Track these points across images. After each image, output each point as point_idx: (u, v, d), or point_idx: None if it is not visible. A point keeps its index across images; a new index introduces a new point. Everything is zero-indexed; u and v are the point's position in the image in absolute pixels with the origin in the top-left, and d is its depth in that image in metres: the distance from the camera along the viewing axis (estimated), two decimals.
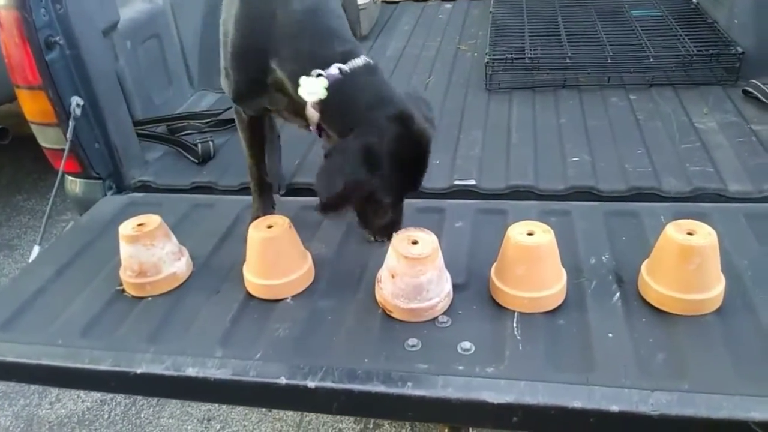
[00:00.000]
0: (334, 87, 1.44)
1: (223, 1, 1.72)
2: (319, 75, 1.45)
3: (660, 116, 2.35)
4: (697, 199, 1.89)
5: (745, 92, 2.45)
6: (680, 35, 2.81)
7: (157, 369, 1.44)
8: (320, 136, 1.57)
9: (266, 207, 1.92)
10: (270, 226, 1.60)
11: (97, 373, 1.47)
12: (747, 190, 1.89)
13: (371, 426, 2.59)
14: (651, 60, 2.63)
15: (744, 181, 1.92)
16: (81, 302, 1.68)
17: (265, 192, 1.94)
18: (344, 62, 1.46)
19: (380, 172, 1.40)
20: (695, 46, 2.67)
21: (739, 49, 2.57)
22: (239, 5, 1.59)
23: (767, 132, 2.19)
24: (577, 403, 1.26)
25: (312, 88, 1.44)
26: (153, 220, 1.68)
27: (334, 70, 1.45)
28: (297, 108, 1.54)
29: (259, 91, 1.64)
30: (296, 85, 1.48)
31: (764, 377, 1.29)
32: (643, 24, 2.99)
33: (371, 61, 1.50)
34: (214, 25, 2.90)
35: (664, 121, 2.31)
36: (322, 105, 1.46)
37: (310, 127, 1.57)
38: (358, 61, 1.47)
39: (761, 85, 2.40)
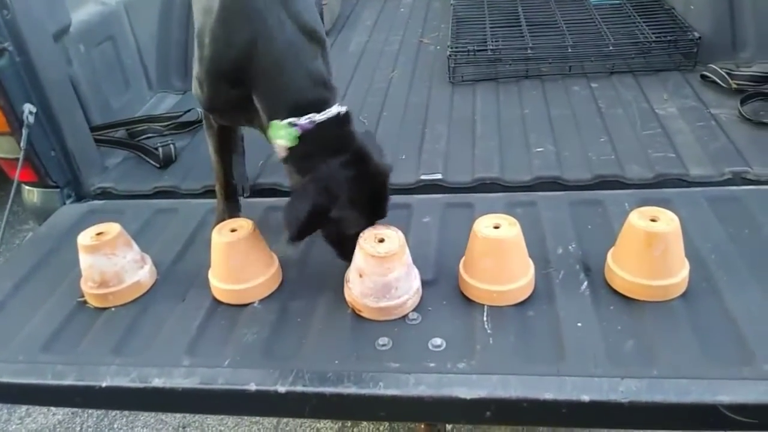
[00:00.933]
0: (303, 137, 1.44)
1: (194, 6, 1.61)
2: (291, 124, 1.43)
3: (621, 103, 2.37)
4: (660, 185, 1.91)
5: (704, 77, 2.49)
6: (638, 22, 2.84)
7: (123, 381, 1.41)
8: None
9: (232, 210, 1.89)
10: (234, 230, 1.57)
11: (61, 388, 1.43)
12: (708, 173, 1.92)
13: (349, 425, 2.57)
14: (611, 48, 2.66)
15: (705, 165, 1.95)
16: (41, 316, 1.63)
17: (231, 196, 1.91)
18: (319, 111, 1.45)
19: (341, 202, 1.44)
20: (653, 33, 2.70)
21: (696, 35, 2.61)
22: (215, 24, 1.48)
23: (726, 115, 2.22)
24: (549, 395, 1.26)
25: (282, 135, 1.45)
26: (113, 228, 1.63)
27: (305, 121, 1.43)
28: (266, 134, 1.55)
29: (235, 107, 1.59)
30: (268, 124, 1.48)
31: (731, 360, 1.30)
32: (602, 12, 3.01)
33: (343, 110, 1.48)
34: (172, 25, 2.90)
35: (625, 109, 2.33)
36: (289, 149, 1.46)
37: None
38: (332, 111, 1.46)
39: (719, 69, 2.44)
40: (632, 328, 1.40)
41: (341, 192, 1.44)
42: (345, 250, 1.57)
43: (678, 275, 1.47)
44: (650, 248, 1.44)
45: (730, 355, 1.32)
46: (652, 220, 1.46)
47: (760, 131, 2.10)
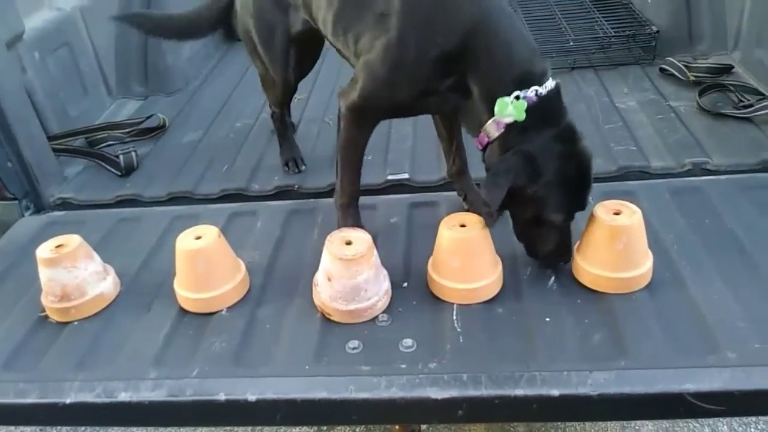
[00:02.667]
0: (529, 111, 1.41)
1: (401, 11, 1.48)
2: (517, 97, 1.41)
3: (583, 98, 2.40)
4: (623, 178, 1.94)
5: (662, 70, 2.53)
6: (598, 18, 2.88)
7: (88, 397, 1.38)
8: (483, 149, 1.53)
9: (357, 219, 1.77)
10: (198, 237, 1.54)
11: (24, 407, 1.39)
12: (669, 165, 1.95)
13: (325, 428, 2.56)
14: (571, 43, 2.69)
15: (666, 157, 1.98)
16: (1, 333, 1.58)
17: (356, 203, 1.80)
18: (540, 83, 1.42)
19: (544, 181, 1.41)
20: (612, 28, 2.74)
21: (654, 29, 2.66)
22: (429, 14, 1.44)
23: (684, 108, 2.26)
24: (519, 391, 1.27)
25: (510, 111, 1.42)
26: (73, 240, 1.59)
27: (531, 93, 1.42)
28: (471, 116, 1.51)
29: (425, 98, 1.54)
30: (489, 102, 1.44)
31: (696, 349, 1.32)
32: (562, 8, 3.05)
33: (558, 81, 1.47)
34: (130, 31, 2.84)
35: (587, 103, 2.36)
36: (509, 126, 1.43)
37: (476, 140, 1.52)
38: (550, 84, 1.44)
39: (677, 62, 2.49)
40: (600, 320, 1.42)
41: (547, 167, 1.40)
42: (540, 243, 1.52)
43: (642, 267, 1.49)
44: (613, 241, 1.46)
45: (696, 343, 1.34)
46: (616, 214, 1.48)
47: (718, 122, 2.15)
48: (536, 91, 1.42)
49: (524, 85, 1.42)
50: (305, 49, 2.03)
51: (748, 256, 1.56)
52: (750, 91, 2.27)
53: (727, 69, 2.44)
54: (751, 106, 2.15)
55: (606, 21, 2.82)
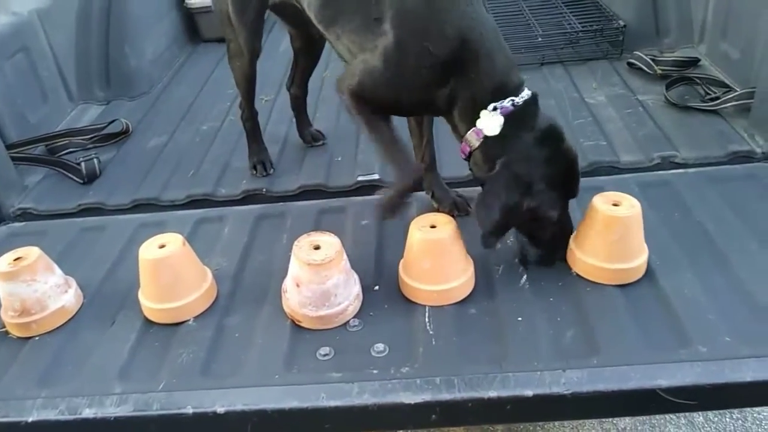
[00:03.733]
0: (506, 121, 1.44)
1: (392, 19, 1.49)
2: (495, 109, 1.44)
3: (552, 94, 2.39)
4: (594, 173, 1.93)
5: (630, 64, 2.54)
6: (566, 13, 2.88)
7: (51, 415, 1.33)
8: (467, 158, 1.55)
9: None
10: (162, 246, 1.50)
11: None
12: (638, 159, 1.96)
13: None
14: (540, 39, 2.69)
15: (635, 151, 1.99)
16: None
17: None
18: (516, 94, 1.46)
19: (536, 190, 1.43)
20: (580, 23, 2.74)
21: (621, 23, 2.67)
22: (421, 29, 1.46)
23: (652, 101, 2.28)
24: (493, 393, 1.25)
25: (491, 124, 1.45)
26: (32, 252, 1.54)
27: (508, 103, 1.45)
28: (455, 124, 1.54)
29: (418, 103, 1.57)
30: (471, 112, 1.47)
31: (668, 344, 1.32)
32: (530, 4, 3.05)
33: (535, 92, 1.50)
34: (91, 33, 2.78)
35: (556, 99, 2.36)
36: (486, 137, 1.46)
37: (461, 149, 1.54)
38: (526, 93, 1.48)
39: (644, 56, 2.50)
40: (572, 318, 1.41)
41: (535, 176, 1.43)
42: (544, 241, 1.53)
43: (636, 260, 1.48)
44: (609, 232, 1.46)
45: (667, 338, 1.34)
46: (615, 205, 1.48)
47: (685, 115, 2.17)
48: (512, 101, 1.45)
49: (501, 96, 1.45)
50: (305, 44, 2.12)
51: (716, 249, 1.56)
52: (716, 84, 2.29)
53: (694, 62, 2.46)
54: (717, 98, 2.17)
55: (574, 16, 2.82)
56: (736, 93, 2.11)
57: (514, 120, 1.45)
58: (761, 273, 1.47)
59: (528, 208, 1.44)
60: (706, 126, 2.08)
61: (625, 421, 2.33)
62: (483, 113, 1.46)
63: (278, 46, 3.17)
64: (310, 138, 2.27)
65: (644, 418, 2.32)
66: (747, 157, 1.93)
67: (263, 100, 2.60)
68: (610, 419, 2.32)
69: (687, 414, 2.32)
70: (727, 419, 2.31)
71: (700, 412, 2.31)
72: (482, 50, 1.46)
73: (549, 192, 1.45)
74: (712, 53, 2.46)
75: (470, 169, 1.57)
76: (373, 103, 1.59)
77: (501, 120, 1.44)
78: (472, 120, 1.48)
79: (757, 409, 2.30)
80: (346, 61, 1.70)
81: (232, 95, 2.68)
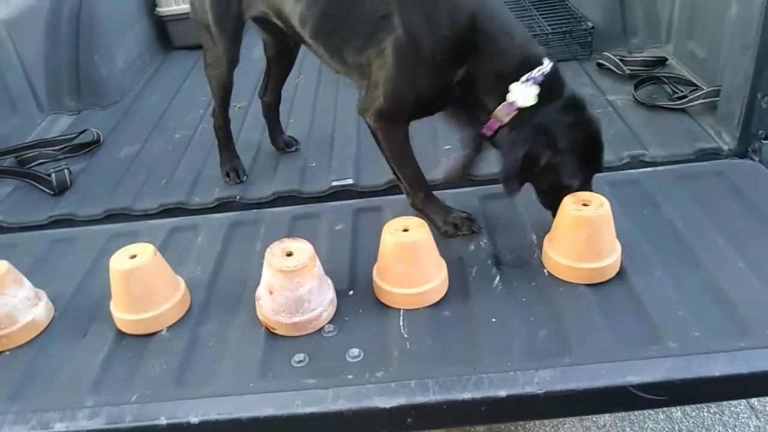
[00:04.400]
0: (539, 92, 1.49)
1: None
2: (527, 80, 1.47)
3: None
4: None
5: (599, 65, 2.58)
6: (535, 15, 2.91)
7: (23, 430, 1.32)
8: (491, 136, 1.59)
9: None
10: (133, 256, 1.49)
11: None
12: (608, 159, 1.96)
13: None
14: None
15: (605, 151, 2.00)
16: None
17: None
18: (540, 64, 1.50)
19: (559, 148, 1.47)
20: (550, 25, 2.77)
21: (590, 24, 2.70)
22: (430, 14, 1.51)
23: (622, 101, 2.31)
24: (467, 395, 1.26)
25: (526, 95, 1.48)
26: (0, 266, 1.51)
27: (538, 74, 1.49)
28: (477, 104, 1.58)
29: (442, 92, 1.59)
30: (497, 87, 1.50)
31: (639, 340, 1.34)
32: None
33: (554, 62, 1.55)
34: (60, 42, 2.74)
35: None
36: (521, 108, 1.50)
37: (483, 128, 1.58)
38: (548, 63, 1.52)
39: (613, 57, 2.53)
40: (544, 318, 1.42)
41: (560, 135, 1.47)
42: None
43: (606, 259, 1.49)
44: (577, 231, 1.47)
45: (638, 335, 1.35)
46: (584, 205, 1.49)
47: (653, 114, 2.20)
48: (541, 71, 1.49)
49: (527, 68, 1.49)
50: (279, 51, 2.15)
51: (685, 245, 1.59)
52: (683, 83, 2.32)
53: (662, 62, 2.50)
54: (685, 97, 2.21)
55: (543, 18, 2.85)
56: (703, 91, 2.15)
57: (544, 89, 1.49)
58: (729, 268, 1.50)
59: (549, 163, 1.49)
60: (675, 124, 2.12)
61: (604, 418, 2.35)
62: (514, 86, 1.49)
63: (251, 54, 3.15)
64: (283, 145, 2.27)
65: (623, 414, 2.34)
66: (714, 154, 1.96)
67: (236, 107, 2.59)
68: (590, 417, 2.34)
69: (665, 409, 2.34)
70: (705, 413, 2.34)
71: (678, 408, 2.34)
72: (498, 27, 1.51)
73: (571, 155, 1.50)
74: (679, 52, 2.50)
75: (494, 146, 1.62)
76: (400, 115, 1.64)
77: (536, 90, 1.49)
78: (499, 95, 1.52)
79: (734, 402, 2.34)
80: (339, 73, 1.77)
81: (205, 103, 2.68)
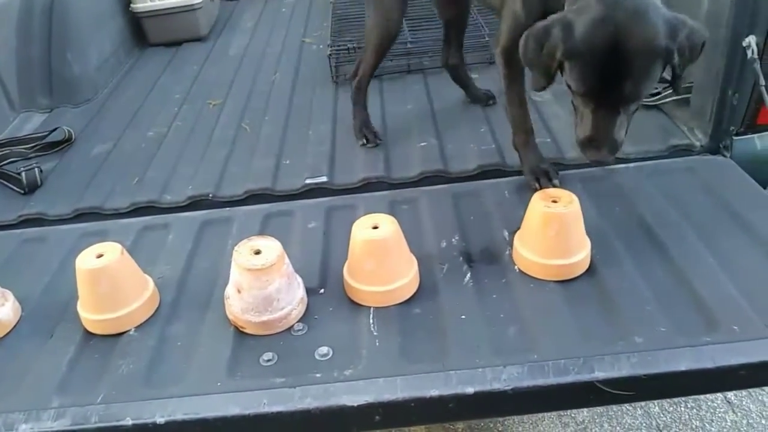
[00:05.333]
0: None
1: None
2: None
3: (500, 93, 2.41)
4: None
5: None
6: None
7: None
8: None
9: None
10: (100, 255, 1.47)
11: None
12: (582, 155, 1.97)
13: None
14: (487, 38, 2.71)
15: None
16: None
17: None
18: None
19: (571, 42, 1.41)
20: None
21: None
22: None
23: None
24: (435, 392, 1.26)
25: None
26: None
27: None
28: None
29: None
30: None
31: (606, 336, 1.34)
32: (477, 5, 3.06)
33: None
34: (32, 39, 2.70)
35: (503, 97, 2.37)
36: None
37: None
38: None
39: None
40: (513, 314, 1.42)
41: (575, 30, 1.41)
42: (576, 127, 1.55)
43: (575, 256, 1.50)
44: (546, 228, 1.47)
45: (606, 331, 1.36)
46: (554, 201, 1.50)
47: None
48: None
49: None
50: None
51: (655, 240, 1.60)
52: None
53: None
54: (658, 93, 2.21)
55: None
56: None
57: None
58: (698, 263, 1.51)
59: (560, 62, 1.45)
60: (648, 121, 2.12)
61: (583, 414, 2.36)
62: None
63: (227, 50, 3.14)
64: (485, 97, 2.36)
65: (601, 409, 2.35)
66: (687, 151, 1.97)
67: (211, 105, 2.58)
68: (568, 413, 2.35)
69: (643, 404, 2.36)
70: (682, 408, 2.36)
71: (655, 403, 2.36)
72: None
73: (579, 58, 1.42)
74: None
75: None
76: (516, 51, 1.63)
77: None
78: None
79: (711, 397, 2.36)
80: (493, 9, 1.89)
81: (179, 100, 2.66)
